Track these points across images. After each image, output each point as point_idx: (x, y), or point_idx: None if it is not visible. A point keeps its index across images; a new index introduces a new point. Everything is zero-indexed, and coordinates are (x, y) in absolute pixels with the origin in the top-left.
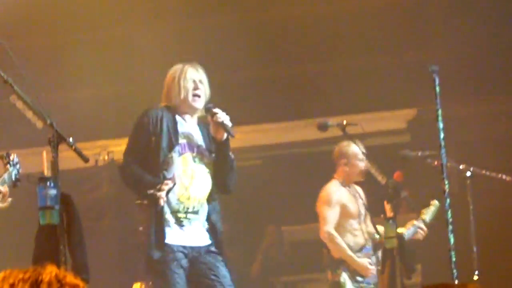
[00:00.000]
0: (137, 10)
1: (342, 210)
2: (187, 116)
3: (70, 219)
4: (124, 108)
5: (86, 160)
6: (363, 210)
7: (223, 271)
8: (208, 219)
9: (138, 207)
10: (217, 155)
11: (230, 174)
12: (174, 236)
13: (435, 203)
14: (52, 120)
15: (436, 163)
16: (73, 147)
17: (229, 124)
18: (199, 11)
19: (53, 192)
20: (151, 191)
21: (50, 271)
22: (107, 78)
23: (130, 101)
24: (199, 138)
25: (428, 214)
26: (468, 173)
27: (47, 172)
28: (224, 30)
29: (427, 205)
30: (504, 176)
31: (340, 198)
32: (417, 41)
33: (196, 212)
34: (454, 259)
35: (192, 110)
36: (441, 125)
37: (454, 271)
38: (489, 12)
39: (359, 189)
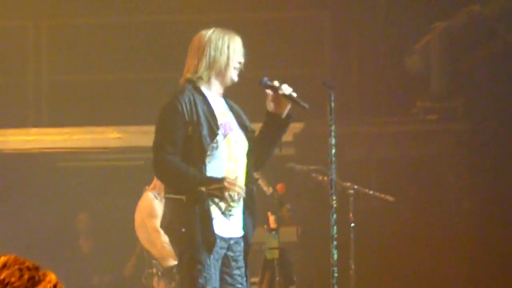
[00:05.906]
0: None
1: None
2: (215, 91)
3: None
4: None
5: None
6: None
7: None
8: (246, 204)
9: (171, 202)
10: (273, 131)
11: (273, 151)
12: (218, 228)
13: None
14: None
15: (320, 178)
16: None
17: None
18: None
19: None
20: (203, 188)
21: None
22: None
23: None
24: (229, 114)
25: None
26: (351, 191)
27: None
28: None
29: (310, 218)
30: (386, 196)
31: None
32: (307, 56)
33: (238, 199)
34: (336, 274)
35: (227, 83)
36: (333, 141)
37: (336, 287)
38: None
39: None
